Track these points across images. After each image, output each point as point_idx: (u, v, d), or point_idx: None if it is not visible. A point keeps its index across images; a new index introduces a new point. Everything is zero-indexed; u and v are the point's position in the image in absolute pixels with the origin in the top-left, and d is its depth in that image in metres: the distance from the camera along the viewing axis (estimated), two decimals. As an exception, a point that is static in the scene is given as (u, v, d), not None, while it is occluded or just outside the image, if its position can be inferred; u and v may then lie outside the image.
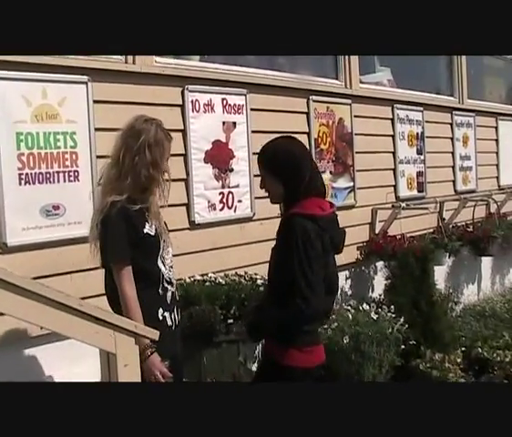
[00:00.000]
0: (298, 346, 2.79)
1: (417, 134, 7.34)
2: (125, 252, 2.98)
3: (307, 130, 5.85)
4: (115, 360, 2.45)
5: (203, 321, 3.65)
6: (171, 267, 3.20)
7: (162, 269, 3.11)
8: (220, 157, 5.01)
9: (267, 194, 2.97)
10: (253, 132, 5.25)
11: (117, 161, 3.04)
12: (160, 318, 3.07)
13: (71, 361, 3.78)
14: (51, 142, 3.91)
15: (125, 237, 2.98)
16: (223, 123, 5.04)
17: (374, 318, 4.74)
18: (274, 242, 2.95)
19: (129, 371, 2.49)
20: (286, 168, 2.84)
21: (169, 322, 3.13)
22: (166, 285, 3.13)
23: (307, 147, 3.31)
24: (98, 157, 4.12)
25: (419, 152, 7.35)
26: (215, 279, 4.62)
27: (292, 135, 3.20)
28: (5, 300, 2.21)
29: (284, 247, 2.78)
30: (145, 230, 3.06)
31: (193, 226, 4.83)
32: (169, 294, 3.16)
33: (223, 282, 4.61)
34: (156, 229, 3.12)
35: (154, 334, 2.58)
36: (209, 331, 3.69)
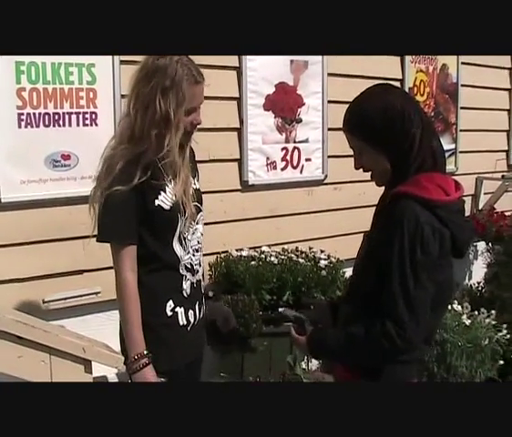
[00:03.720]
0: (384, 380, 1.96)
1: (541, 89, 6.06)
2: (128, 231, 2.25)
3: (400, 77, 4.81)
4: (52, 397, 1.65)
5: (235, 317, 2.78)
6: (197, 250, 2.41)
7: (179, 252, 2.33)
8: (284, 103, 4.12)
9: (370, 175, 2.04)
10: (330, 75, 4.32)
11: (129, 114, 2.26)
12: (169, 313, 2.33)
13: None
14: (61, 75, 3.16)
15: (131, 209, 2.24)
16: (291, 61, 4.11)
17: (467, 323, 3.70)
18: (369, 227, 2.07)
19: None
20: (386, 131, 1.91)
21: (182, 321, 2.36)
22: (183, 272, 2.36)
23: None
24: (124, 96, 3.32)
25: (542, 111, 6.08)
26: (265, 256, 3.76)
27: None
28: None
29: (382, 240, 1.88)
30: (157, 202, 2.26)
31: (246, 187, 4.01)
32: (187, 284, 2.37)
33: (275, 261, 3.73)
34: (174, 201, 2.28)
35: (115, 361, 1.75)
36: (243, 331, 2.82)
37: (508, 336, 3.90)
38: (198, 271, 2.42)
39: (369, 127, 1.92)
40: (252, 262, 3.64)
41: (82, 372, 1.70)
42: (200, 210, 2.44)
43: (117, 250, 2.25)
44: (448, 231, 1.90)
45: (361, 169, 2.02)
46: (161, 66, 2.19)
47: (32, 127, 3.09)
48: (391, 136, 1.91)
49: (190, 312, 2.39)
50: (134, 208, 2.23)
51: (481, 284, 5.01)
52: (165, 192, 2.29)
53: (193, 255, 2.39)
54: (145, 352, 2.18)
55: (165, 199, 2.28)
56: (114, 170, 2.19)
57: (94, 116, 3.28)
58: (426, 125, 1.96)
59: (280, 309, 2.39)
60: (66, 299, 3.30)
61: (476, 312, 3.86)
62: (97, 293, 3.41)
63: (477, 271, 5.27)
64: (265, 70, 3.95)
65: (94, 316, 3.42)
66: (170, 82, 2.18)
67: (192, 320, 2.40)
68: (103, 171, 2.22)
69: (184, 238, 2.34)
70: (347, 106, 1.99)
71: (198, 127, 2.32)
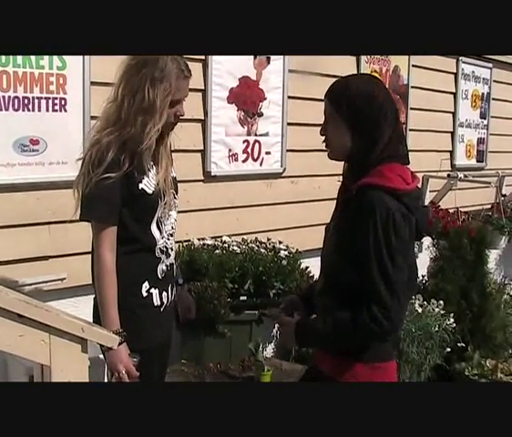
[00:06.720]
0: (366, 360, 2.04)
1: (483, 94, 6.43)
2: (111, 212, 2.32)
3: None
4: (49, 375, 1.69)
5: (205, 303, 2.86)
6: (171, 235, 2.49)
7: (156, 235, 2.41)
8: (247, 97, 4.20)
9: (325, 144, 2.13)
10: (291, 72, 4.41)
11: (116, 99, 2.32)
12: (144, 294, 2.41)
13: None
14: (32, 59, 3.15)
15: (116, 191, 2.30)
16: (254, 56, 4.20)
17: (419, 310, 3.91)
18: (332, 219, 2.17)
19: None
20: (362, 113, 2.01)
21: (157, 301, 2.45)
22: (159, 255, 2.43)
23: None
24: (93, 83, 3.37)
25: (482, 116, 6.47)
26: (228, 245, 3.84)
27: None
28: None
29: (355, 233, 1.99)
30: (140, 186, 2.33)
31: (208, 178, 4.08)
32: (163, 267, 2.45)
33: (238, 250, 3.83)
34: (156, 186, 2.35)
35: (111, 340, 1.81)
36: (212, 317, 2.90)
37: (454, 325, 4.14)
38: (171, 255, 2.51)
39: (348, 102, 2.02)
40: (216, 251, 3.72)
41: (79, 352, 1.74)
42: (176, 198, 2.53)
43: (98, 230, 2.31)
44: (414, 217, 2.03)
45: (322, 138, 2.09)
46: (153, 57, 2.27)
47: (1, 109, 3.06)
48: (364, 120, 2.01)
49: (164, 294, 2.47)
50: (119, 192, 2.30)
51: (425, 277, 5.26)
52: (148, 177, 2.36)
53: (168, 239, 2.47)
54: (119, 331, 2.25)
55: (148, 184, 2.36)
56: (106, 159, 2.24)
57: (63, 102, 3.27)
58: (398, 127, 2.09)
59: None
60: (31, 284, 3.29)
61: (425, 302, 4.07)
62: (62, 279, 3.41)
63: (422, 265, 5.51)
64: (230, 64, 4.02)
65: (58, 302, 3.41)
66: (160, 73, 2.26)
67: (165, 302, 2.48)
68: (94, 158, 2.25)
69: (161, 223, 2.43)
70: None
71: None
